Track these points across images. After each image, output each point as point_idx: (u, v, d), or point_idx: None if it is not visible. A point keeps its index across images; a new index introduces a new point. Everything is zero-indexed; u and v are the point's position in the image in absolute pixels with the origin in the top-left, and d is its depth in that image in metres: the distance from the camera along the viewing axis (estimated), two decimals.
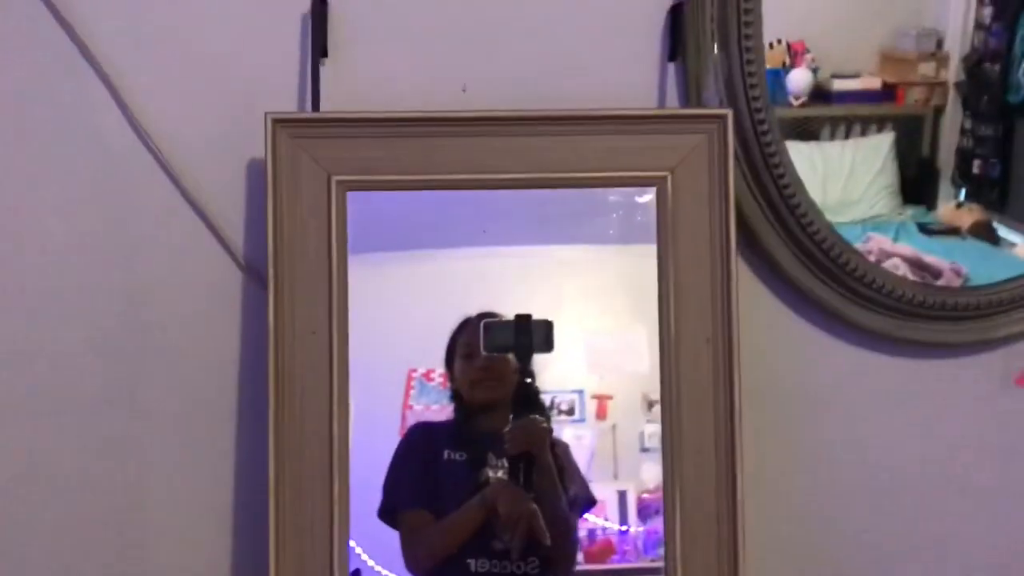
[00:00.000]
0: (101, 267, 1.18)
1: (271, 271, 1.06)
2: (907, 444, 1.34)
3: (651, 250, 1.19)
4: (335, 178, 1.09)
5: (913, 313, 1.25)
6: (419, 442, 1.39)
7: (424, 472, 1.32)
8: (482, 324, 1.28)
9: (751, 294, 1.23)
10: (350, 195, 1.10)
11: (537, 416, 1.27)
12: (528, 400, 1.27)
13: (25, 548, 1.23)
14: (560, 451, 1.33)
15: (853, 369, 1.31)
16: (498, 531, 1.23)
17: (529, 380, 1.27)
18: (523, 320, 1.26)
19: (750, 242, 1.21)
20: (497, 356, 1.29)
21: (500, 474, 1.27)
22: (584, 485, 1.35)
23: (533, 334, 1.27)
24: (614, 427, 2.19)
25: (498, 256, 1.95)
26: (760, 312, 1.24)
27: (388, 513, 1.32)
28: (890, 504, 1.36)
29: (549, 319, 1.31)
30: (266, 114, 1.07)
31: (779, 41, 1.49)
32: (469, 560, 1.25)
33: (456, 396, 1.39)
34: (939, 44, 1.50)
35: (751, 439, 1.16)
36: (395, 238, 1.64)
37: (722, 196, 1.12)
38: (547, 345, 1.27)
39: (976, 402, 1.31)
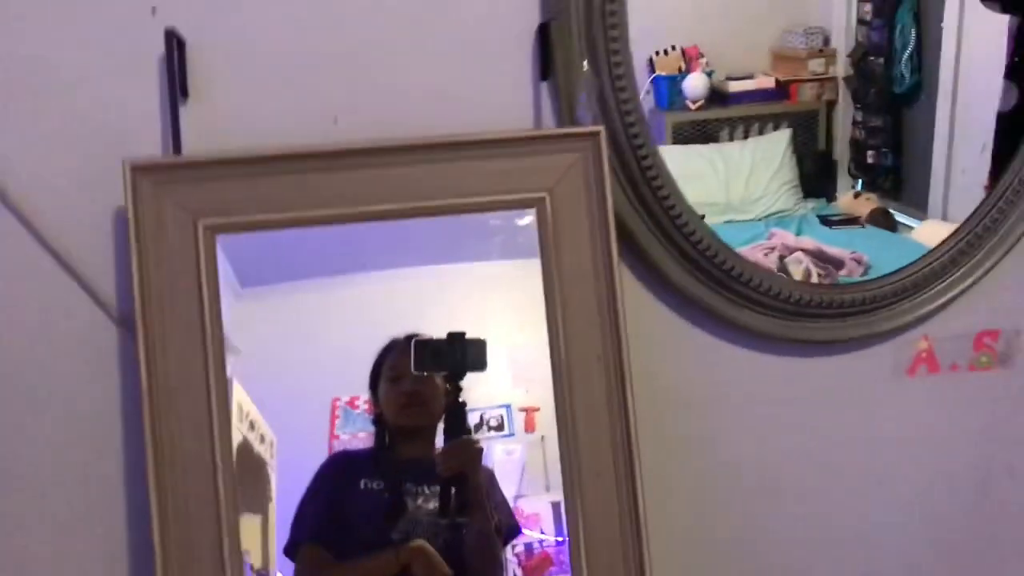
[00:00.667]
0: None
1: (139, 323, 1.02)
2: (803, 441, 1.36)
3: None
4: (202, 222, 1.06)
5: (800, 313, 1.26)
6: (335, 472, 1.35)
7: (333, 504, 1.29)
8: (413, 342, 1.26)
9: (640, 306, 1.24)
10: None
11: (470, 436, 1.23)
12: (460, 421, 1.25)
13: None
14: (484, 479, 1.31)
15: (747, 371, 1.32)
16: None
17: (462, 400, 1.25)
18: (456, 338, 1.25)
19: (636, 254, 1.21)
20: (426, 378, 1.27)
21: (421, 502, 1.24)
22: (510, 513, 1.34)
23: (467, 352, 1.26)
24: (543, 438, 2.18)
25: (414, 277, 1.93)
26: (650, 323, 1.25)
27: (291, 547, 1.29)
28: (791, 500, 1.37)
29: (482, 337, 1.30)
30: (124, 160, 1.03)
31: (673, 47, 1.50)
32: None
33: (379, 422, 1.36)
34: (826, 41, 1.52)
35: (649, 450, 1.16)
36: (302, 267, 1.62)
37: (601, 212, 1.11)
38: (480, 364, 1.26)
39: (869, 394, 1.32)
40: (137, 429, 1.09)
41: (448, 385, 1.25)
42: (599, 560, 1.12)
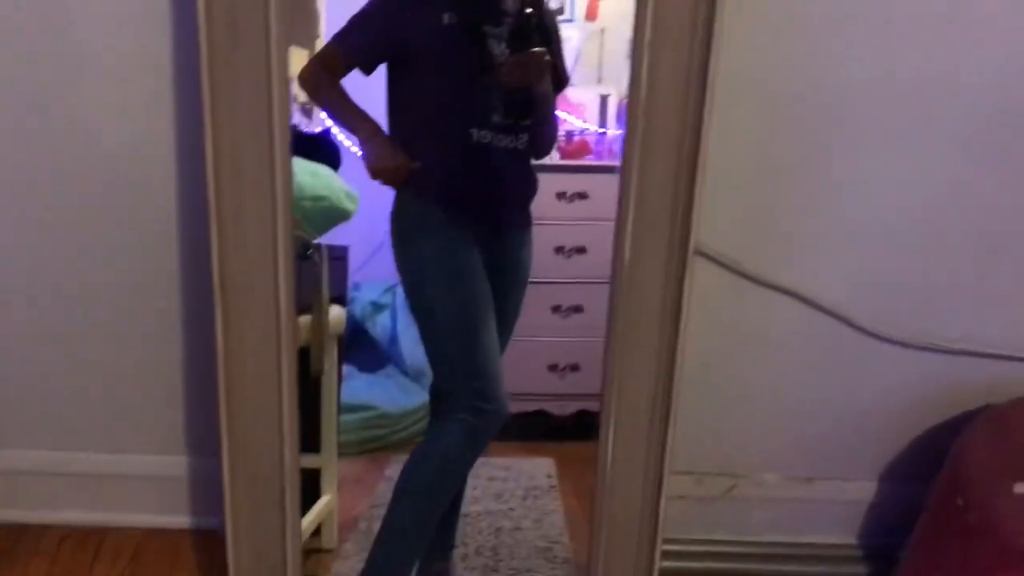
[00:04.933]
0: None
1: None
2: None
3: None
4: None
5: None
6: None
7: (398, 30, 1.21)
8: None
9: None
10: None
11: (536, 49, 1.18)
12: (527, 31, 1.18)
13: None
14: (552, 29, 1.27)
15: None
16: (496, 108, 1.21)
17: (529, 11, 1.18)
18: None
19: None
20: None
21: (495, 44, 1.20)
22: (563, 63, 1.33)
23: None
24: (603, 30, 2.16)
25: None
26: None
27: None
28: (875, 40, 1.19)
29: None
30: None
31: None
32: (471, 130, 1.23)
33: None
34: None
35: None
36: None
37: None
38: None
39: None
40: None
41: None
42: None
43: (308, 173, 1.36)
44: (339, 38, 1.23)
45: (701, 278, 1.11)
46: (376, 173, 1.21)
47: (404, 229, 1.22)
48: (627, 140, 1.01)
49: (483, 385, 1.15)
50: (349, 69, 1.22)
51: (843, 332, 1.24)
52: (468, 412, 1.14)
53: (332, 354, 1.38)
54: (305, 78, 1.23)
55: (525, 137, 1.23)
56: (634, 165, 0.96)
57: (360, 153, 1.22)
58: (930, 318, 1.26)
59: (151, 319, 1.29)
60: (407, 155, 1.19)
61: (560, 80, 1.30)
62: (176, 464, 1.35)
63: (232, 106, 0.99)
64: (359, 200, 1.48)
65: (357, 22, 1.22)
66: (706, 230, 1.11)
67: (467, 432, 1.15)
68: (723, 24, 0.99)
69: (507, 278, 1.25)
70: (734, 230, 1.21)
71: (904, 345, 1.25)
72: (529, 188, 1.26)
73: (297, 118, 1.55)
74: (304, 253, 1.24)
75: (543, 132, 1.27)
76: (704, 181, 0.98)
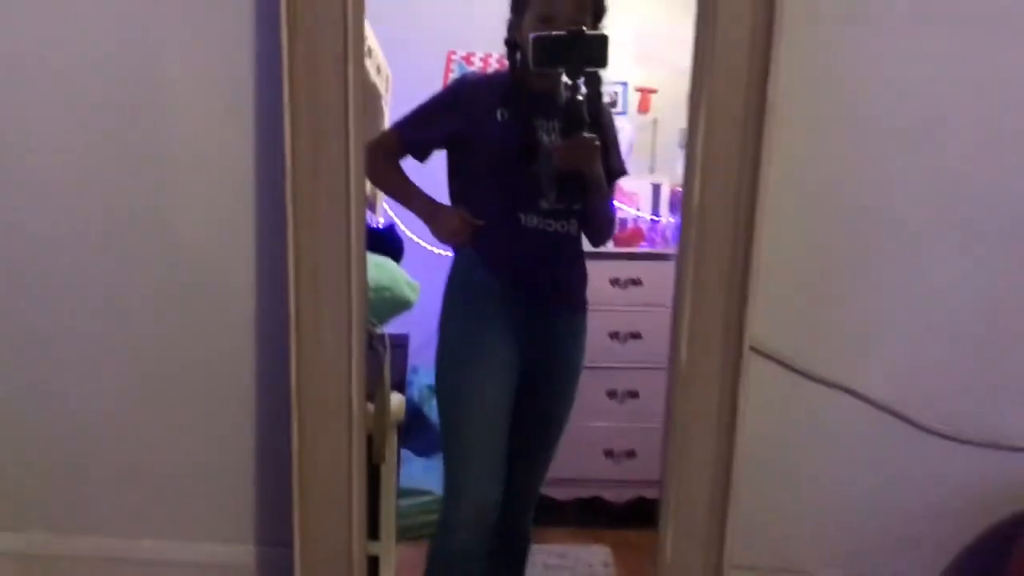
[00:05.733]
0: None
1: None
2: (968, 71, 1.19)
3: None
4: None
5: None
6: (464, 90, 1.33)
7: (456, 121, 1.28)
8: (531, 38, 1.20)
9: None
10: None
11: (587, 134, 1.20)
12: (579, 116, 1.21)
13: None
14: (606, 120, 1.32)
15: None
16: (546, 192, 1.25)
17: (580, 97, 1.20)
18: (576, 33, 1.18)
19: None
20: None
21: (547, 137, 1.25)
22: (619, 154, 1.37)
23: (587, 48, 1.18)
24: (655, 121, 2.23)
25: None
26: None
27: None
28: (927, 143, 1.20)
29: (603, 32, 1.25)
30: None
31: None
32: (519, 214, 1.26)
33: (514, 45, 1.29)
34: None
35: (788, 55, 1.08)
36: None
37: None
38: (601, 60, 1.18)
39: None
40: None
41: (569, 79, 1.19)
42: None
43: (373, 265, 1.43)
44: (401, 126, 1.32)
45: (756, 374, 1.12)
46: (443, 239, 1.28)
47: (454, 295, 1.28)
48: (681, 242, 1.06)
49: (459, 486, 1.23)
50: (406, 155, 1.30)
51: (900, 428, 1.23)
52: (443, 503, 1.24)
53: (392, 441, 1.41)
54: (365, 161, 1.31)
55: (575, 223, 1.27)
56: (689, 266, 1.00)
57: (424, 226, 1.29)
58: (989, 414, 1.24)
59: (224, 407, 1.33)
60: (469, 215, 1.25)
61: (615, 171, 1.34)
62: (243, 553, 1.38)
63: (313, 218, 1.07)
64: (419, 289, 1.54)
65: (419, 113, 1.30)
66: (760, 327, 1.13)
67: (439, 523, 1.24)
68: (773, 135, 1.04)
69: (552, 371, 1.29)
70: (788, 327, 1.22)
71: (962, 441, 1.23)
72: (575, 272, 1.30)
73: None
74: (369, 344, 1.29)
75: (597, 219, 1.31)
76: (758, 281, 1.01)
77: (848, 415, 1.25)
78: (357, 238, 1.07)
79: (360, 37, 1.06)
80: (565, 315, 1.30)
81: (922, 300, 1.22)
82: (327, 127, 1.06)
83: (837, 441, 1.26)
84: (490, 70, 2.09)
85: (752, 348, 1.07)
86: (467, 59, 2.18)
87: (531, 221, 1.24)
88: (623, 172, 1.37)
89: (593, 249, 1.34)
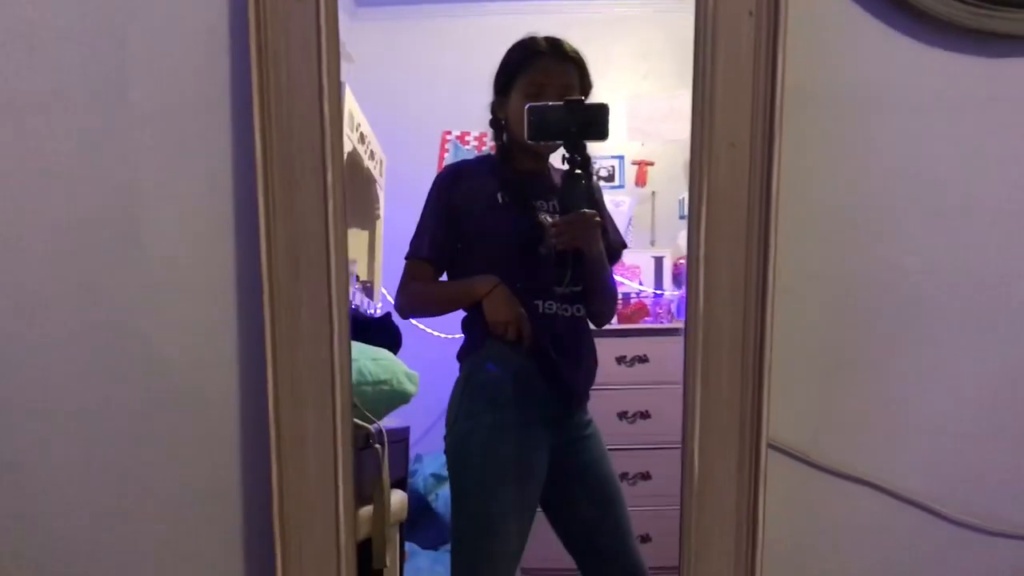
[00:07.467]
0: None
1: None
2: (975, 156, 1.13)
3: None
4: None
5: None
6: (444, 185, 1.30)
7: (459, 216, 1.25)
8: (527, 108, 1.16)
9: None
10: None
11: (586, 210, 1.17)
12: (578, 192, 1.18)
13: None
14: (598, 196, 1.28)
15: (917, 66, 1.11)
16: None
17: (579, 171, 1.17)
18: (574, 105, 1.14)
19: None
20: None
21: (544, 216, 1.21)
22: (616, 229, 1.33)
23: (585, 120, 1.15)
24: (653, 194, 2.21)
25: (534, 12, 1.81)
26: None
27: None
28: (943, 225, 1.13)
29: (603, 102, 1.19)
30: None
31: None
32: (536, 301, 1.22)
33: (500, 127, 1.27)
34: None
35: (791, 139, 1.04)
36: None
37: None
38: (600, 132, 1.15)
39: None
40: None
41: (567, 152, 1.16)
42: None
43: (369, 358, 1.38)
44: (421, 251, 1.25)
45: (774, 470, 1.06)
46: (495, 325, 1.19)
47: (472, 393, 1.22)
48: (687, 351, 1.00)
49: None
50: (440, 273, 1.25)
51: (928, 522, 1.15)
52: None
53: (395, 542, 1.35)
54: (403, 307, 1.27)
55: (582, 305, 1.23)
56: (696, 375, 0.95)
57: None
58: (1021, 505, 1.18)
59: (208, 527, 1.22)
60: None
61: (614, 245, 1.30)
62: None
63: (293, 333, 1.02)
64: (418, 379, 1.49)
65: (424, 229, 1.26)
66: (776, 422, 1.07)
67: None
68: (777, 223, 1.00)
69: (585, 481, 1.24)
70: (805, 421, 1.16)
71: (993, 534, 1.15)
72: (592, 356, 1.26)
73: (358, 298, 1.60)
74: (366, 443, 1.23)
75: (599, 298, 1.27)
76: (771, 378, 0.96)
77: (874, 509, 1.17)
78: (341, 348, 1.02)
79: (339, 146, 1.02)
80: (585, 410, 1.24)
81: (945, 391, 1.16)
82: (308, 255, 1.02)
83: (863, 537, 1.18)
84: (484, 150, 2.08)
85: (770, 445, 1.02)
86: (461, 138, 2.18)
87: (549, 308, 1.20)
88: (623, 246, 1.34)
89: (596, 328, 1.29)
